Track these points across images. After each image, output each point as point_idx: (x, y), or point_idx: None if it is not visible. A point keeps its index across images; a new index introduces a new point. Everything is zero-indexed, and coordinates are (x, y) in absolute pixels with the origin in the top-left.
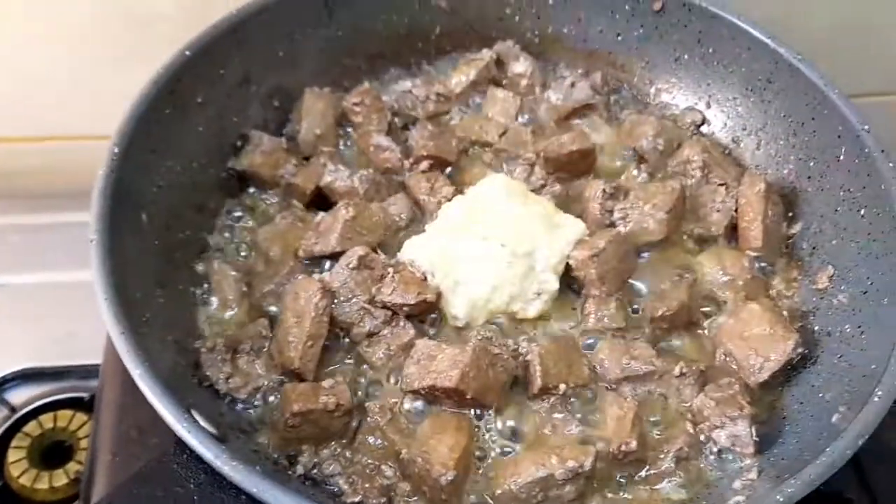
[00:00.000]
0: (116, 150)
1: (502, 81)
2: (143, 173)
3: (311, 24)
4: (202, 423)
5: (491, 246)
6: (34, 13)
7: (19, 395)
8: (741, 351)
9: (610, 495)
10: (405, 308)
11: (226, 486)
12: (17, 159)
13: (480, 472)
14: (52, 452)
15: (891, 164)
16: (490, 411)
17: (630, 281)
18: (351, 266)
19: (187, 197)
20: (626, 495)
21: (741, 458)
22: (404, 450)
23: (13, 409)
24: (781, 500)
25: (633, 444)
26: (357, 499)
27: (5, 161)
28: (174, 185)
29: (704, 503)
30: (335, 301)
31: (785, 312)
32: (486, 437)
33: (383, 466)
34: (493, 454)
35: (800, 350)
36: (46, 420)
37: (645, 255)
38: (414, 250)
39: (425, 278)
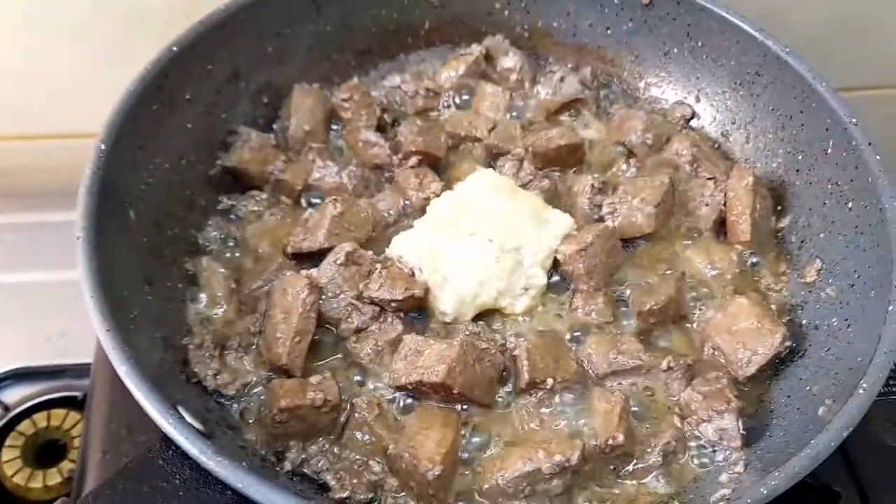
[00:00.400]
0: (103, 147)
1: (492, 76)
2: (131, 170)
3: (299, 20)
4: (189, 419)
5: (479, 241)
6: (26, 12)
7: (13, 395)
8: (729, 345)
9: (597, 489)
10: (393, 304)
11: (212, 481)
12: (10, 158)
13: (468, 466)
14: (45, 451)
15: (878, 157)
16: (478, 406)
17: (618, 275)
18: (338, 262)
19: (175, 194)
20: (613, 489)
21: (728, 451)
22: (392, 445)
23: (7, 409)
24: (766, 492)
25: (621, 438)
26: (345, 494)
27: None
28: (162, 182)
29: (691, 496)
30: (323, 297)
31: (773, 306)
32: (474, 431)
33: (371, 462)
34: (480, 449)
35: (787, 344)
36: (40, 419)
37: (633, 249)
38: (402, 246)
39: (413, 274)
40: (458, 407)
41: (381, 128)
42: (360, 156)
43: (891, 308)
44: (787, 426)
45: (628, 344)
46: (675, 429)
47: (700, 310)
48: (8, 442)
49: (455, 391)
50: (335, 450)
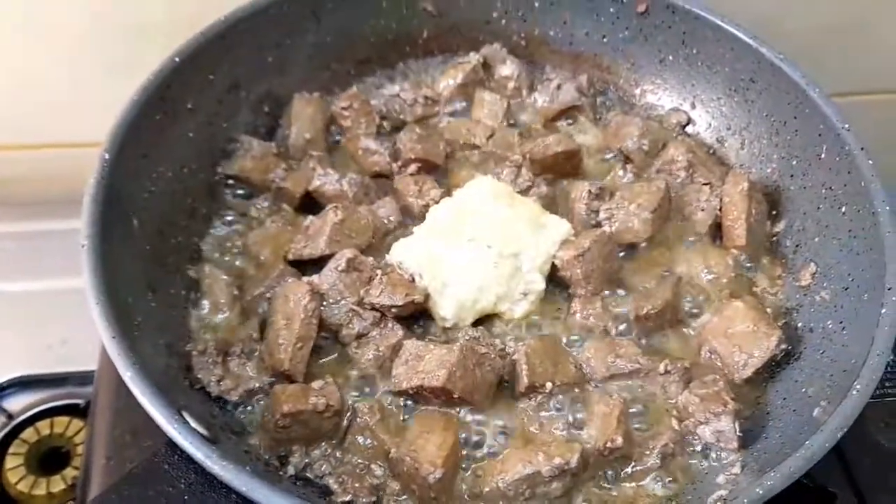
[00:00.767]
0: (107, 157)
1: (489, 84)
2: (134, 179)
3: (299, 30)
4: (193, 424)
5: (477, 247)
6: (28, 22)
7: (16, 402)
8: (725, 348)
9: (596, 492)
10: (393, 309)
11: (216, 485)
12: (12, 167)
13: (468, 469)
14: (49, 458)
15: (870, 162)
16: (478, 410)
17: (615, 280)
18: (339, 269)
19: (178, 202)
20: (612, 492)
21: (725, 453)
22: (393, 449)
23: (10, 416)
24: (762, 492)
25: (619, 441)
26: (347, 498)
27: (1, 168)
28: (165, 191)
29: (689, 498)
30: (324, 303)
31: (769, 309)
32: (474, 435)
33: (373, 466)
34: (480, 452)
35: (783, 346)
36: (43, 426)
37: (630, 254)
38: (402, 252)
39: (413, 280)
40: (459, 411)
41: (380, 136)
42: (360, 163)
43: (884, 311)
44: (783, 428)
45: (626, 348)
46: (672, 431)
47: (697, 313)
48: (11, 450)
49: (455, 395)
50: (337, 454)
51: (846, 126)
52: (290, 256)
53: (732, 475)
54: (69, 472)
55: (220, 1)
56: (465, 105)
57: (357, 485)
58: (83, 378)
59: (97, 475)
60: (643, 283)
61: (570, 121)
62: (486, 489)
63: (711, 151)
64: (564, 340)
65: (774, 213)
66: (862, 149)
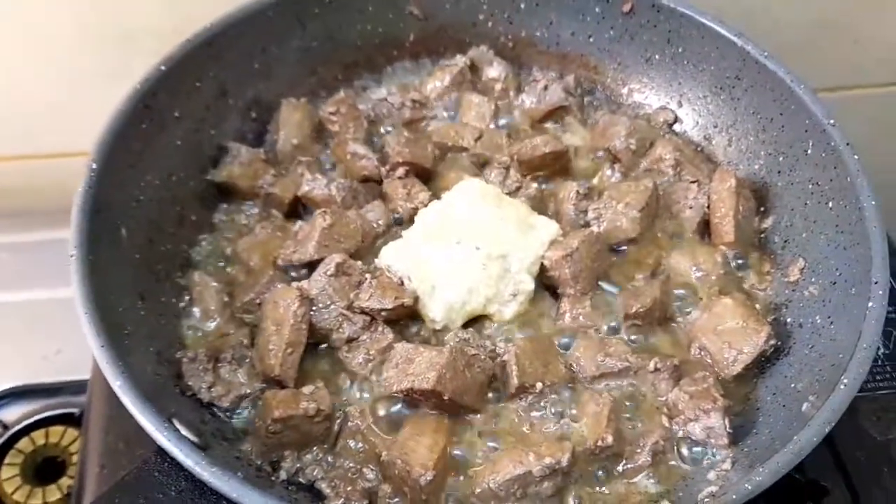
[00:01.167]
0: (94, 167)
1: (477, 86)
2: (122, 188)
3: (285, 36)
4: (184, 431)
5: (466, 249)
6: (16, 33)
7: (11, 413)
8: (715, 345)
9: (588, 490)
10: (383, 313)
11: (207, 492)
12: (3, 178)
13: (459, 471)
14: (44, 468)
15: (856, 157)
16: (469, 411)
17: (604, 279)
18: (329, 273)
19: (167, 210)
20: (603, 489)
21: (716, 449)
22: (384, 452)
23: (5, 427)
24: (751, 487)
25: (610, 440)
26: (339, 502)
27: None
28: (154, 199)
29: (680, 494)
30: (314, 308)
31: (758, 306)
32: (465, 437)
33: (365, 469)
34: (471, 454)
35: (772, 342)
36: (38, 436)
37: (619, 253)
38: (391, 256)
39: (402, 283)
40: (449, 413)
41: (368, 140)
42: (348, 168)
43: (870, 304)
44: (774, 423)
45: (616, 346)
46: (663, 429)
47: (686, 311)
48: (7, 460)
49: (446, 397)
50: (329, 458)
51: (832, 122)
52: (281, 262)
53: (723, 471)
54: (65, 482)
55: (207, 8)
56: (453, 108)
57: (349, 488)
58: (78, 387)
59: (91, 483)
60: (632, 281)
61: (558, 121)
62: (478, 490)
63: (699, 149)
64: (554, 340)
65: (762, 209)
66: (847, 144)
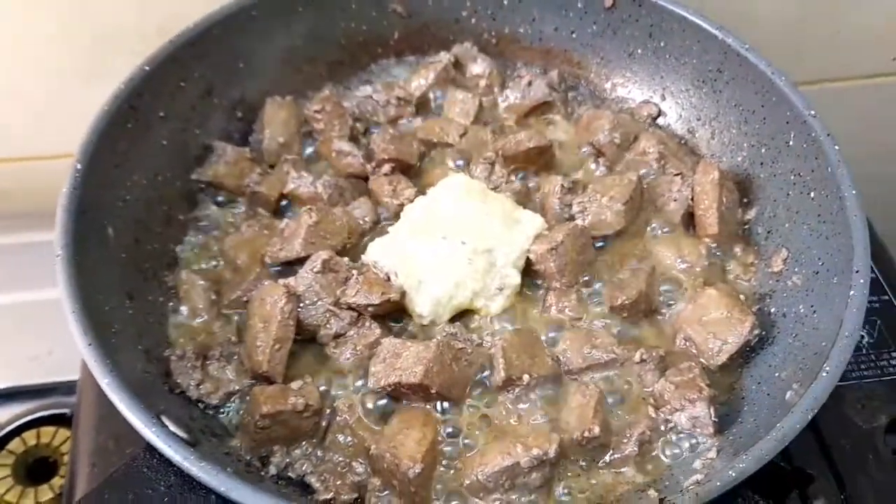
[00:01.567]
0: (79, 167)
1: (461, 83)
2: (108, 188)
3: (269, 35)
4: (173, 428)
5: (452, 244)
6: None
7: (2, 414)
8: (700, 335)
9: (576, 480)
10: (370, 308)
11: (196, 487)
12: None
13: (448, 463)
14: (36, 469)
15: (836, 148)
16: (457, 405)
17: (590, 272)
18: (315, 270)
19: (153, 210)
20: (591, 480)
21: (701, 438)
22: (373, 446)
23: None
24: (734, 475)
25: (597, 430)
26: (329, 496)
27: None
28: (140, 199)
29: (667, 483)
30: (301, 305)
31: (742, 296)
32: (453, 429)
33: (354, 463)
34: (460, 446)
35: (756, 332)
36: (30, 437)
37: (604, 246)
38: (377, 252)
39: (389, 279)
40: (437, 406)
41: (353, 137)
42: (334, 165)
43: (852, 293)
44: (758, 412)
45: (602, 338)
46: (649, 419)
47: (671, 302)
48: None
49: (433, 391)
50: (318, 453)
51: (812, 113)
52: (268, 260)
53: (709, 459)
54: (57, 482)
55: (190, 8)
56: (438, 104)
57: (339, 482)
58: (69, 388)
59: (82, 482)
60: (617, 274)
61: (542, 117)
62: (467, 482)
63: (682, 142)
64: (541, 333)
65: (745, 200)
66: (828, 135)
